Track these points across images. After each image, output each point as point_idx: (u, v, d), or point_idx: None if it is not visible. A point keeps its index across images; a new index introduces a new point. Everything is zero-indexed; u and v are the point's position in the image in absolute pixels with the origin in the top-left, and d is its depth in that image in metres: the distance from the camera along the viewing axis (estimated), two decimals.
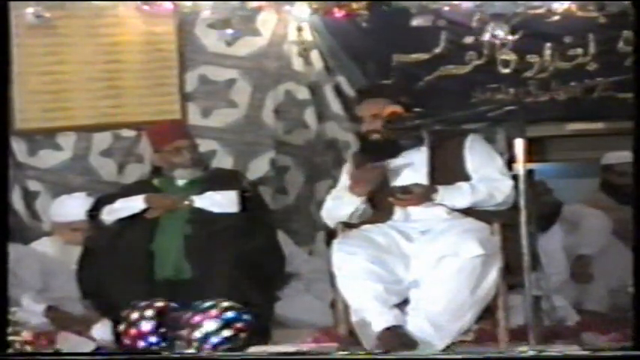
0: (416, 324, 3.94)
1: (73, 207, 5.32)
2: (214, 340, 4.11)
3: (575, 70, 6.06)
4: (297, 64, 6.12)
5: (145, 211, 4.84)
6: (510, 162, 4.05)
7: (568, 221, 5.38)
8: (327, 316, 4.67)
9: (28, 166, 5.88)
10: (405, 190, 4.16)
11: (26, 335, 4.13)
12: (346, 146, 6.00)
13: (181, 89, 6.04)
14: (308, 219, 5.93)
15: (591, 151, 6.10)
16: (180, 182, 4.97)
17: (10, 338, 3.94)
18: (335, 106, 6.12)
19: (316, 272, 5.17)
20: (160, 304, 4.25)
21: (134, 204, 4.86)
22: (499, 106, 4.86)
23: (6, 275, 3.78)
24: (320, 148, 6.12)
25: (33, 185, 5.86)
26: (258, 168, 6.01)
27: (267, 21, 6.09)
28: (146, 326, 4.19)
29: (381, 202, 4.28)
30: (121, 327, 4.24)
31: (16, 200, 5.79)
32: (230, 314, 4.16)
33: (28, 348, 4.07)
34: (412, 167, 4.28)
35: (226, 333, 4.12)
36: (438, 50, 6.11)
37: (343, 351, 4.08)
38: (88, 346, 4.32)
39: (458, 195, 4.19)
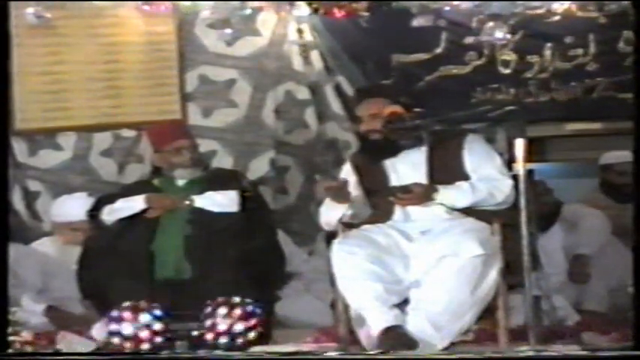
0: (416, 324, 3.94)
1: (74, 207, 5.32)
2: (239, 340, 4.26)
3: (575, 70, 6.06)
4: (297, 64, 6.12)
5: (145, 211, 4.83)
6: (510, 162, 4.06)
7: (567, 221, 5.38)
8: (327, 316, 4.68)
9: (29, 166, 5.89)
10: (405, 189, 4.16)
11: (26, 335, 4.14)
12: (346, 146, 6.01)
13: (181, 89, 6.04)
14: (308, 219, 5.93)
15: (591, 151, 6.10)
16: (181, 182, 4.97)
17: (10, 338, 3.95)
18: (335, 106, 6.12)
19: (316, 272, 5.17)
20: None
21: (134, 204, 4.85)
22: (499, 106, 4.90)
23: (6, 275, 3.78)
24: (320, 148, 6.13)
25: (33, 185, 5.87)
26: (259, 168, 6.02)
27: (267, 21, 6.09)
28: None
29: (381, 202, 4.28)
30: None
31: (17, 200, 5.80)
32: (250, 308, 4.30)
33: (28, 348, 4.08)
34: (412, 167, 4.28)
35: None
36: (438, 50, 6.12)
37: (343, 351, 4.08)
38: (88, 346, 4.32)
39: (458, 195, 4.19)
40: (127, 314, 4.26)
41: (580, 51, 6.04)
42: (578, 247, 5.31)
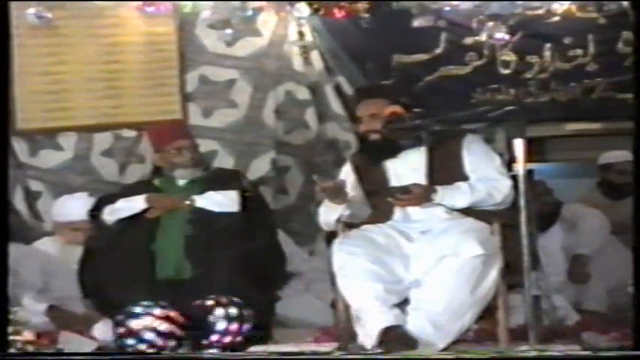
0: (416, 324, 3.94)
1: (75, 207, 5.33)
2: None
3: (574, 70, 6.07)
4: (298, 64, 6.13)
5: (145, 211, 4.85)
6: (510, 162, 4.06)
7: (567, 221, 5.38)
8: (328, 315, 4.67)
9: (30, 166, 5.89)
10: (405, 190, 4.16)
11: (27, 335, 4.14)
12: (346, 146, 6.01)
13: (182, 89, 6.05)
14: (308, 219, 5.92)
15: (591, 151, 6.11)
16: (181, 182, 4.98)
17: (12, 338, 3.95)
18: (335, 106, 6.13)
19: (317, 272, 5.18)
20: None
21: (135, 204, 4.87)
22: (499, 106, 4.89)
23: (7, 275, 3.78)
24: (320, 148, 6.13)
25: (34, 185, 5.88)
26: (259, 168, 6.02)
27: (267, 21, 6.10)
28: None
29: (380, 203, 4.28)
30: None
31: (18, 200, 5.81)
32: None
33: (30, 347, 4.08)
34: (411, 167, 4.28)
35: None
36: (438, 51, 6.12)
37: (343, 351, 4.09)
38: (89, 346, 4.33)
39: (457, 195, 4.19)
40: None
41: (580, 51, 6.05)
42: (578, 247, 5.32)
